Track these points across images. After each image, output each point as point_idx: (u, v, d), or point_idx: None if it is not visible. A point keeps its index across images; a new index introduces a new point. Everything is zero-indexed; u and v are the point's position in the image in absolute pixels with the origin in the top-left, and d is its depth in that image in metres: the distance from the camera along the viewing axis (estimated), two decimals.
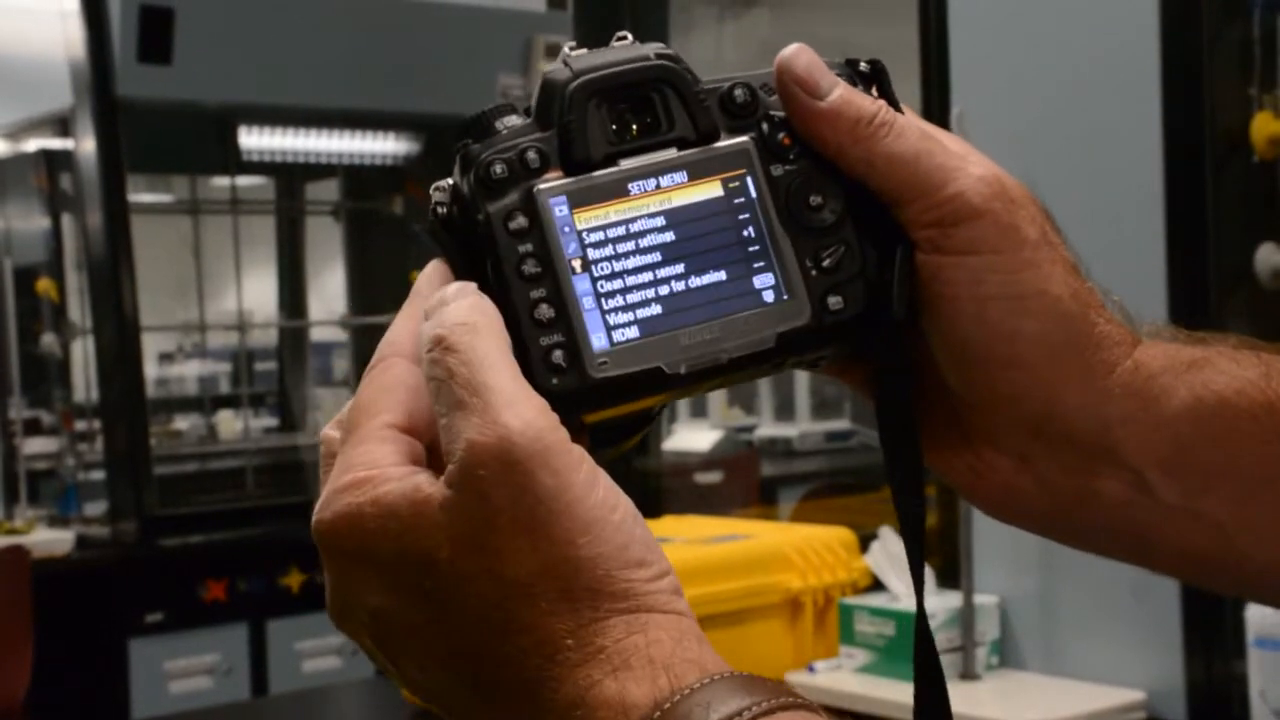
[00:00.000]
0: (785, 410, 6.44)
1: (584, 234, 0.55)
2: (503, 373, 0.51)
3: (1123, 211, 2.13)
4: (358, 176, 6.05)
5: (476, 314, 0.52)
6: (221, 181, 6.10)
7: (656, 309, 0.55)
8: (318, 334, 6.73)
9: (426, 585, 0.50)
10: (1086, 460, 0.58)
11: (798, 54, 0.58)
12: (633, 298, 0.55)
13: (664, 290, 0.56)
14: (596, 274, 0.55)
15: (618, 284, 0.55)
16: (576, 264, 0.55)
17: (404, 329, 0.55)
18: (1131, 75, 2.13)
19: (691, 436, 5.79)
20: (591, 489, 0.50)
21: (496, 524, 0.49)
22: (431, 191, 0.57)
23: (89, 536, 4.76)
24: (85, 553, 4.63)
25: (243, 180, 6.03)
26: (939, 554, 2.38)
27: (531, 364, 0.53)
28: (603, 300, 0.55)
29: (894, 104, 0.59)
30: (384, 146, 5.85)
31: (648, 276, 0.56)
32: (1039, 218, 0.58)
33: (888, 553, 2.36)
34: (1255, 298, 2.20)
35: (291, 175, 6.18)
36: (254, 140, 5.69)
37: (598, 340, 0.54)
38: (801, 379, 6.29)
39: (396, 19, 5.05)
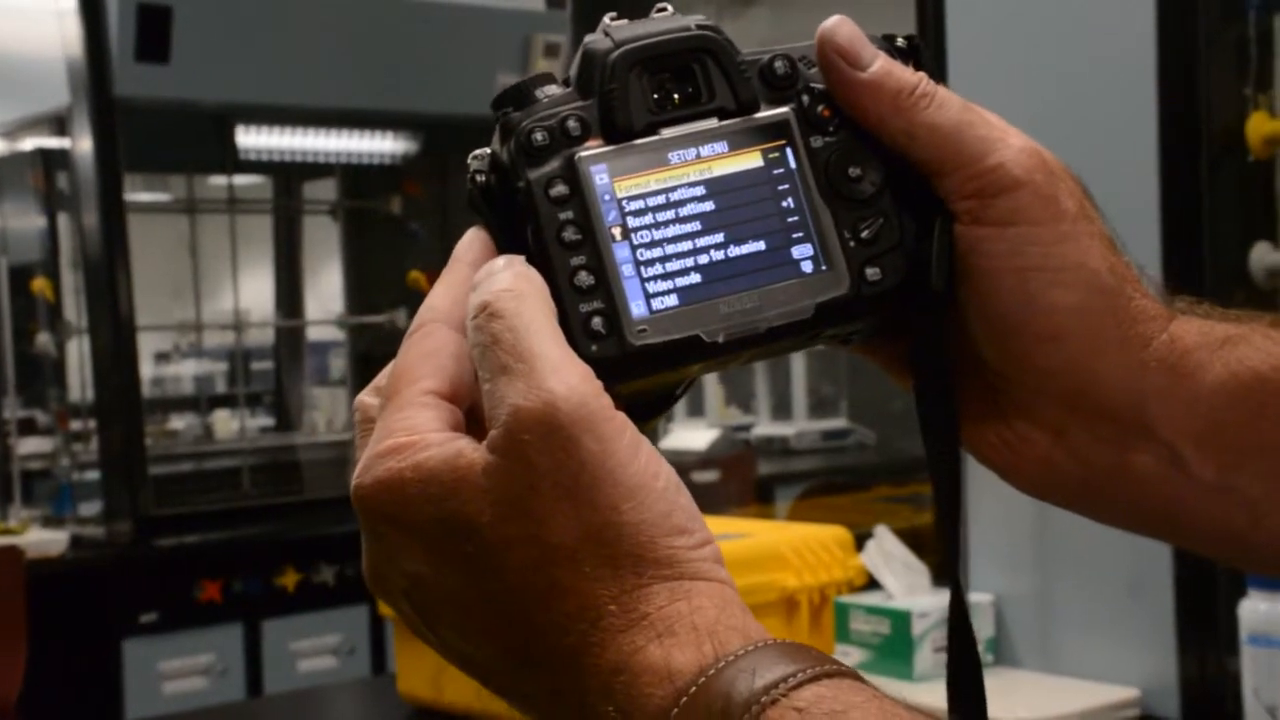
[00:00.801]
0: (782, 409, 6.41)
1: (624, 202, 0.55)
2: (548, 339, 0.51)
3: (1118, 210, 2.11)
4: (355, 176, 6.02)
5: (523, 282, 0.52)
6: (219, 181, 6.07)
7: (696, 277, 0.55)
8: (315, 333, 6.70)
9: (468, 551, 0.50)
10: (1121, 434, 0.59)
11: (839, 25, 0.59)
12: (672, 266, 0.55)
13: (703, 259, 0.56)
14: (636, 242, 0.55)
15: (657, 252, 0.55)
16: (616, 232, 0.55)
17: (443, 296, 0.55)
18: (1127, 75, 2.14)
19: (688, 435, 5.76)
20: (634, 456, 0.50)
21: (539, 489, 0.49)
22: (469, 160, 0.57)
23: (83, 536, 4.72)
24: (80, 553, 4.59)
25: (240, 179, 6.00)
26: (934, 552, 2.37)
27: (571, 330, 0.53)
28: (642, 268, 0.55)
29: (933, 78, 0.59)
30: (382, 146, 5.84)
31: (687, 245, 0.56)
32: (1077, 192, 0.59)
33: (883, 551, 2.36)
34: (1250, 297, 2.20)
35: (289, 174, 6.15)
36: (251, 139, 5.67)
37: (637, 308, 0.54)
38: (799, 377, 6.28)
39: (395, 18, 5.04)
